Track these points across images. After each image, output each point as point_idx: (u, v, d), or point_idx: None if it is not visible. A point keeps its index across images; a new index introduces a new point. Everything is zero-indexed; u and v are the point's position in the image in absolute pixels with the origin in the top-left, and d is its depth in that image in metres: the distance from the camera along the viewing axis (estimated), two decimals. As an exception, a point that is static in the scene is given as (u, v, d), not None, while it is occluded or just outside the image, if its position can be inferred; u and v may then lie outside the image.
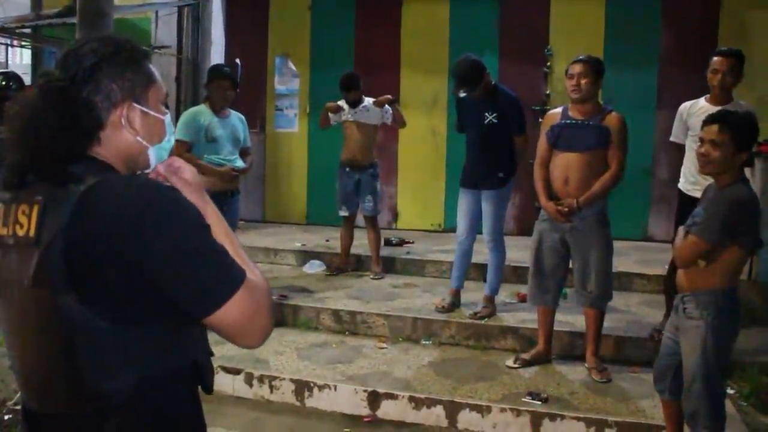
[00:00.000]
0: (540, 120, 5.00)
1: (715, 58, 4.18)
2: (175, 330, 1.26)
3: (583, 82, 3.98)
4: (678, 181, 4.47)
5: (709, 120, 2.92)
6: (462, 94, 4.89)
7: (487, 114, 4.79)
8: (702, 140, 2.91)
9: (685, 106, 4.39)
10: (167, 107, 1.48)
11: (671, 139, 4.51)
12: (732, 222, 2.81)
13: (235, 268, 1.24)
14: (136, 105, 1.34)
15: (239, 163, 4.90)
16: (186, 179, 1.39)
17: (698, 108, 4.23)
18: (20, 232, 1.22)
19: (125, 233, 1.16)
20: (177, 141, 4.60)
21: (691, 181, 4.27)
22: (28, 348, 1.27)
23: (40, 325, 1.22)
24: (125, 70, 1.33)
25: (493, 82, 4.89)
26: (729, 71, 4.13)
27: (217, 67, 5.10)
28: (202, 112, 4.76)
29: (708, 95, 4.28)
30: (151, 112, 1.37)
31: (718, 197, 2.88)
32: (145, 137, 1.36)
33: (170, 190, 1.27)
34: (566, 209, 4.01)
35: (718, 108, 3.91)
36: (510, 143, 4.84)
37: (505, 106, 4.80)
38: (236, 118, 4.95)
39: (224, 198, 4.80)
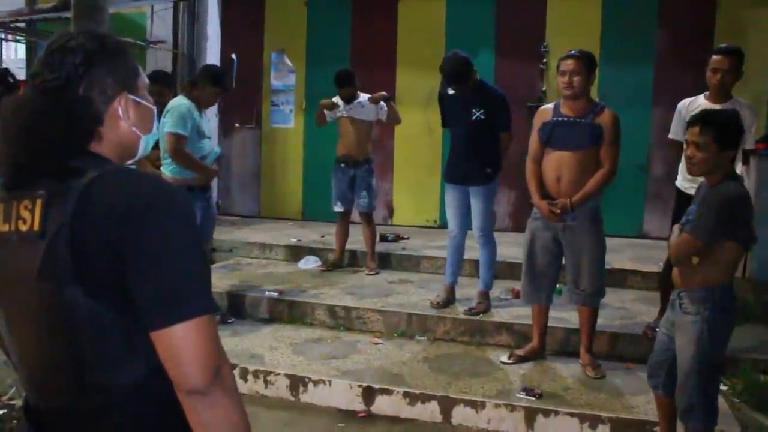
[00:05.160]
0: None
1: (715, 57, 4.13)
2: None
3: (575, 79, 3.94)
4: (676, 179, 4.46)
5: (692, 122, 2.94)
6: (451, 92, 4.89)
7: (474, 110, 4.79)
8: (687, 142, 2.93)
9: (684, 103, 4.37)
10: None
11: (670, 136, 4.49)
12: (725, 219, 2.82)
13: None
14: (130, 95, 1.35)
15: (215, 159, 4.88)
16: None
17: (697, 105, 4.19)
18: (23, 227, 1.22)
19: (119, 222, 1.16)
20: (178, 135, 4.50)
21: (689, 178, 4.24)
22: (33, 342, 1.27)
23: (46, 318, 1.22)
24: (115, 63, 1.33)
25: (478, 78, 4.87)
26: (729, 70, 4.08)
27: (224, 75, 4.94)
28: (191, 106, 4.68)
29: (707, 92, 4.26)
30: (143, 102, 1.38)
31: (709, 195, 2.89)
32: (138, 127, 1.37)
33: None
34: (559, 209, 4.01)
35: (717, 106, 3.93)
36: (497, 139, 4.83)
37: (492, 102, 4.80)
38: (207, 112, 4.92)
39: (205, 193, 4.77)
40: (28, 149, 1.23)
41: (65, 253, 1.16)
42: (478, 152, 4.83)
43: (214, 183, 4.90)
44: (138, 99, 1.37)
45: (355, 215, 6.10)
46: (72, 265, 1.16)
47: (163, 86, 5.47)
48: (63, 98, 1.26)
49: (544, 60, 7.19)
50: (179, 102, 4.67)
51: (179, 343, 1.16)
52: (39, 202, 1.21)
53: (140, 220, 1.17)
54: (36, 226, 1.20)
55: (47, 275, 1.18)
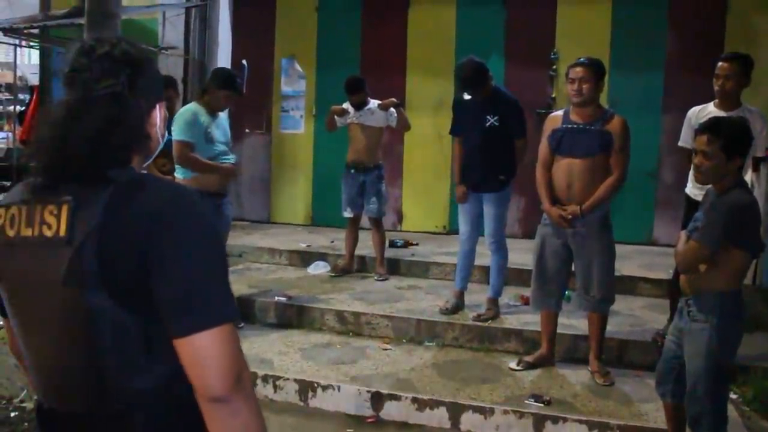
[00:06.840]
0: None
1: (718, 64, 4.17)
2: None
3: (584, 86, 3.95)
4: (685, 186, 4.45)
5: (699, 130, 2.94)
6: (467, 97, 4.90)
7: (488, 117, 4.79)
8: (695, 151, 2.93)
9: (694, 111, 4.37)
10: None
11: (680, 143, 4.48)
12: (732, 227, 2.82)
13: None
14: (162, 104, 1.40)
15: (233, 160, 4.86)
16: None
17: (707, 113, 4.19)
18: (48, 233, 1.22)
19: (145, 230, 1.18)
20: (182, 142, 4.55)
21: (698, 186, 4.23)
22: (52, 347, 1.27)
23: (68, 323, 1.22)
24: (152, 72, 1.37)
25: (494, 85, 4.88)
26: (730, 76, 4.10)
27: (232, 78, 4.91)
28: (200, 112, 4.66)
29: (716, 100, 4.27)
30: (163, 108, 1.43)
31: (717, 203, 2.89)
32: (161, 132, 1.42)
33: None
34: (570, 216, 4.01)
35: (726, 113, 3.93)
36: (510, 145, 4.84)
37: (506, 108, 4.81)
38: (223, 116, 4.92)
39: (219, 199, 4.76)
40: (75, 152, 1.21)
41: (92, 259, 1.17)
42: (492, 159, 4.83)
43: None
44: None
45: (365, 221, 6.12)
46: (98, 271, 1.17)
47: (172, 91, 5.55)
48: (121, 104, 1.27)
49: (554, 66, 7.19)
50: (185, 109, 4.75)
51: (203, 352, 1.17)
52: (65, 207, 1.21)
53: (166, 229, 1.18)
54: (62, 232, 1.20)
55: (73, 281, 1.18)
